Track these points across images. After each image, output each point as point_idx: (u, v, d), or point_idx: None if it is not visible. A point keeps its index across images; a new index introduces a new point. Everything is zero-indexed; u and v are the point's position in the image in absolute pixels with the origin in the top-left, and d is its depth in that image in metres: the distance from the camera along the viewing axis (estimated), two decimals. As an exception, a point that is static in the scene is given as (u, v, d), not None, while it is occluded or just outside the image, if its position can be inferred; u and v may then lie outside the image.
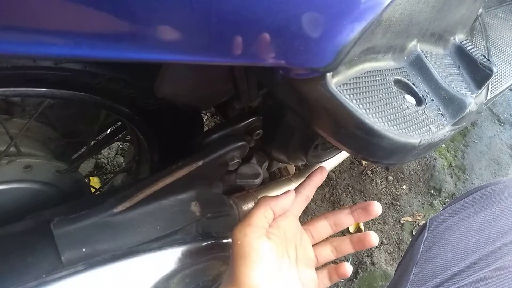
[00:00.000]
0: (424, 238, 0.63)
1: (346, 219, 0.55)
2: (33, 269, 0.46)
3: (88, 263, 0.48)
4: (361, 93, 0.43)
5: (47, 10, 0.23)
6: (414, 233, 1.27)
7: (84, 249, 0.49)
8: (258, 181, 0.68)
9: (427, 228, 0.65)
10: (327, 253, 0.55)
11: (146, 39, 0.27)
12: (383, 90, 0.47)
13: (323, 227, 0.55)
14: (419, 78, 0.54)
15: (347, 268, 0.53)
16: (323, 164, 0.86)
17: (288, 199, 0.51)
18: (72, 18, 0.24)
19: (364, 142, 0.42)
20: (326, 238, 0.57)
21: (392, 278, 0.69)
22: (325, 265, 0.55)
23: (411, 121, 0.47)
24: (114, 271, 0.48)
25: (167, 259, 0.52)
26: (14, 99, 0.60)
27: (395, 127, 0.44)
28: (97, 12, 0.24)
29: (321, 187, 1.35)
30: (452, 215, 0.64)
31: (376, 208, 0.53)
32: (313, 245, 0.55)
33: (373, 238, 0.53)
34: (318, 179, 0.56)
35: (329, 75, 0.39)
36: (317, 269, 0.55)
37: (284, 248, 0.50)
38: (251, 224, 0.47)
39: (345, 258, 1.21)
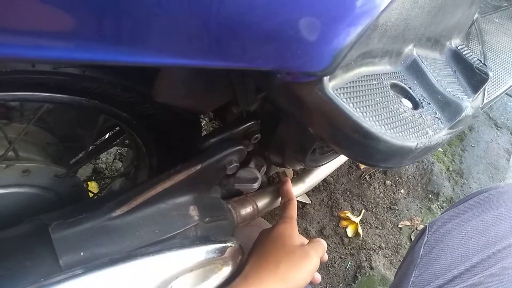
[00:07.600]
0: (424, 242, 0.63)
1: None
2: (31, 273, 0.46)
3: (86, 267, 0.48)
4: (358, 97, 0.44)
5: (44, 13, 0.24)
6: (412, 238, 1.27)
7: (82, 253, 0.49)
8: (256, 185, 0.68)
9: (427, 231, 0.65)
10: None
11: (145, 42, 0.27)
12: (380, 94, 0.47)
13: None
14: (415, 82, 0.55)
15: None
16: (321, 168, 0.86)
17: None
18: (70, 20, 0.24)
19: (361, 145, 0.43)
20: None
21: (393, 281, 0.69)
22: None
23: (407, 125, 0.47)
24: (112, 275, 0.48)
25: (165, 263, 0.52)
26: (12, 103, 0.60)
27: (392, 130, 0.44)
28: (95, 14, 0.25)
29: (319, 191, 1.35)
30: (452, 219, 0.64)
31: None
32: None
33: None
34: None
35: (326, 79, 0.39)
36: None
37: None
38: None
39: (343, 263, 1.21)
